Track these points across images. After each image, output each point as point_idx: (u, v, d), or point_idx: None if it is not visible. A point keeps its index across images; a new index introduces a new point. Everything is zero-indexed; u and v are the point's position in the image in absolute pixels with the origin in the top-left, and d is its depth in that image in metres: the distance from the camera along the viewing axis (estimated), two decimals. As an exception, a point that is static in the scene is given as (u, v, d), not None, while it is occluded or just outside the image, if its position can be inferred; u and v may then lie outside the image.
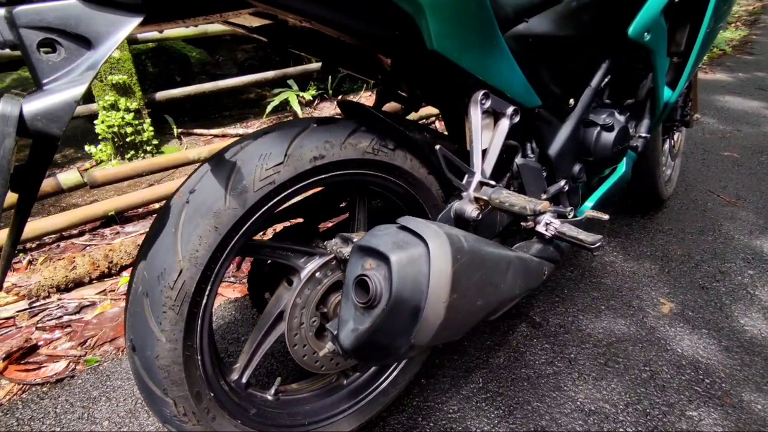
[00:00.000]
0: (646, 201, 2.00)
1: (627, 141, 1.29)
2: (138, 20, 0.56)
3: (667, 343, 1.37)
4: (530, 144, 1.14)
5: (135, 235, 2.05)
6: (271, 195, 0.80)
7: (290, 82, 3.50)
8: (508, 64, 0.94)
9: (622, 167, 1.37)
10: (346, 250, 0.90)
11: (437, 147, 0.90)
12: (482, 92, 0.92)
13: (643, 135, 1.40)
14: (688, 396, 1.20)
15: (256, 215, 0.80)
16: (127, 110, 2.60)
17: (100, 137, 2.65)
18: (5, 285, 1.66)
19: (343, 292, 0.79)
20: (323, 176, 0.86)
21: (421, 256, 0.71)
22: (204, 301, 0.79)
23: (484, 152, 0.98)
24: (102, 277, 1.75)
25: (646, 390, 1.22)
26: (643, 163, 1.75)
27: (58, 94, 0.51)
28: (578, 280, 1.64)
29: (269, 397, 1.00)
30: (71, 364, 1.39)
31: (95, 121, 2.60)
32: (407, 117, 1.12)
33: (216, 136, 3.20)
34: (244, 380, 0.95)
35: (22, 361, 1.40)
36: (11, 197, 0.54)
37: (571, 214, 1.07)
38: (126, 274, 1.78)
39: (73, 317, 1.58)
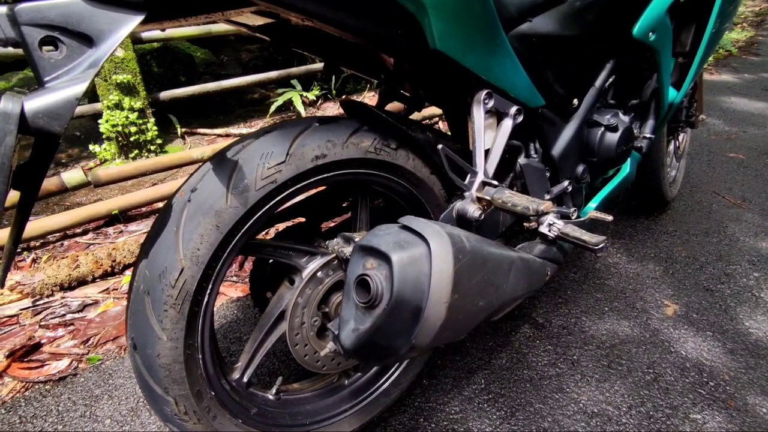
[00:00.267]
0: (651, 202, 1.99)
1: (631, 141, 1.29)
2: (139, 18, 0.56)
3: (671, 346, 1.36)
4: (533, 144, 1.13)
5: (138, 233, 2.05)
6: (273, 194, 0.79)
7: (294, 82, 3.51)
8: (512, 63, 0.94)
9: (626, 168, 1.36)
10: (348, 250, 0.90)
11: (439, 146, 0.90)
12: (485, 92, 0.92)
13: (648, 136, 1.39)
14: (692, 399, 1.19)
15: (258, 214, 0.79)
16: (132, 110, 2.61)
17: (104, 136, 2.66)
18: (9, 283, 1.66)
19: (344, 292, 0.78)
20: (325, 175, 0.85)
21: (423, 256, 0.71)
22: (205, 300, 0.79)
23: (487, 152, 0.98)
24: (105, 276, 1.76)
25: (650, 392, 1.21)
26: (648, 164, 1.74)
27: (59, 92, 0.51)
28: (581, 281, 1.64)
29: (270, 397, 1.00)
30: (74, 362, 1.39)
31: (99, 121, 2.61)
32: (410, 117, 1.12)
33: (220, 135, 3.20)
34: (245, 379, 0.95)
35: (26, 359, 1.40)
36: (13, 195, 0.55)
37: (575, 215, 1.06)
38: (129, 272, 1.79)
39: (76, 315, 1.58)
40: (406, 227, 0.75)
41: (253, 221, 0.79)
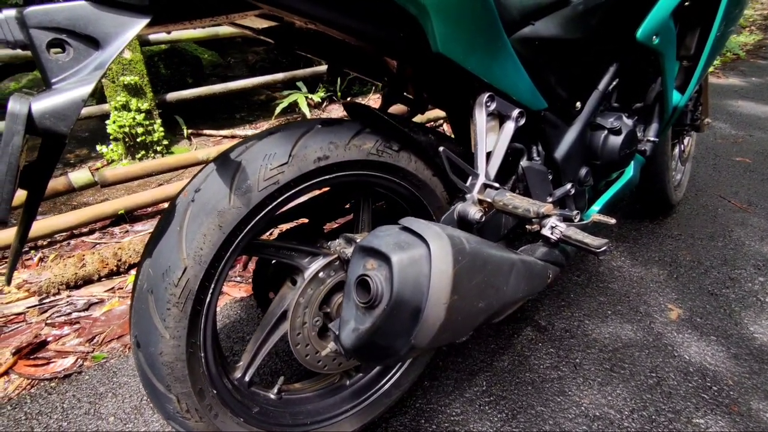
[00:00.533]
0: (655, 205, 1.98)
1: (635, 145, 1.28)
2: (145, 21, 0.57)
3: (675, 350, 1.35)
4: (536, 147, 1.13)
5: (144, 233, 2.07)
6: (275, 195, 0.80)
7: (299, 84, 3.53)
8: (514, 66, 0.94)
9: (629, 171, 1.36)
10: (349, 251, 0.90)
11: (441, 149, 0.90)
12: (487, 94, 0.92)
13: (652, 139, 1.38)
14: (695, 403, 1.19)
15: (261, 215, 0.80)
16: (139, 111, 2.64)
17: (111, 137, 2.69)
18: (16, 281, 1.68)
19: (344, 292, 0.79)
20: (327, 177, 0.86)
21: (423, 257, 0.71)
22: (208, 299, 0.80)
23: (489, 154, 0.98)
24: (111, 275, 1.78)
25: (652, 396, 1.21)
26: (652, 167, 1.74)
27: (66, 93, 0.52)
28: (585, 284, 1.63)
29: (272, 396, 1.00)
30: (79, 360, 1.41)
31: (107, 121, 2.64)
32: (414, 119, 1.12)
33: (225, 137, 3.22)
34: (247, 378, 0.96)
35: (32, 357, 1.42)
36: (20, 194, 0.56)
37: (577, 218, 1.06)
38: (134, 272, 1.80)
39: (82, 314, 1.60)
40: (406, 228, 0.76)
41: (255, 222, 0.80)
